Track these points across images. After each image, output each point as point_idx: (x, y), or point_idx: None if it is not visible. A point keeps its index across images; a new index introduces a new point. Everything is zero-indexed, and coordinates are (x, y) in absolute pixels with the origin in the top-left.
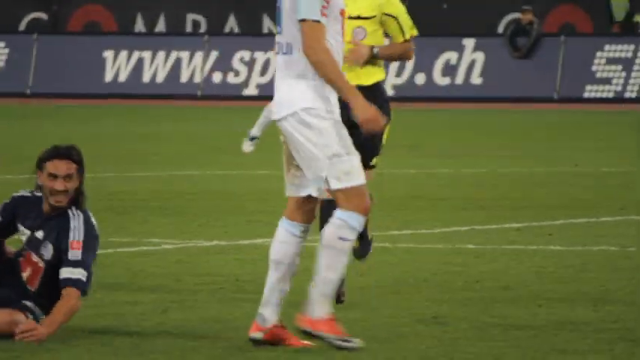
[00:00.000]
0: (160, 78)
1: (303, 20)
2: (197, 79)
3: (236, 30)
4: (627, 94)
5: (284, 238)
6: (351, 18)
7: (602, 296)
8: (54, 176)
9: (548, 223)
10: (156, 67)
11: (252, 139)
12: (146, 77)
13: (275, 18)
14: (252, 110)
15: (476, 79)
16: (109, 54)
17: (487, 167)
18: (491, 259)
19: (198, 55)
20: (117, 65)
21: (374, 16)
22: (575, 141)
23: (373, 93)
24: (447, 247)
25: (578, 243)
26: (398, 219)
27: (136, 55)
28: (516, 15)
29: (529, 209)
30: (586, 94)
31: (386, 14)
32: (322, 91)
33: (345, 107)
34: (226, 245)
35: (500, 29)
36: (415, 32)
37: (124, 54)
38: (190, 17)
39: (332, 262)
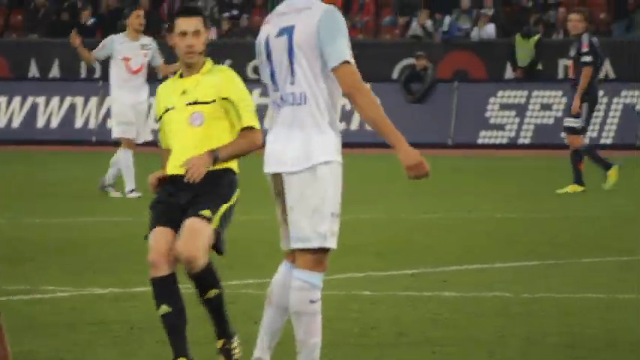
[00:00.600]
0: (54, 123)
1: (342, 64)
2: (91, 124)
3: None
4: (520, 140)
5: (286, 281)
6: (188, 104)
7: (497, 342)
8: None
9: (443, 270)
10: (50, 112)
11: (107, 187)
12: (40, 122)
13: (260, 72)
14: (149, 156)
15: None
16: (2, 100)
17: (383, 213)
18: (387, 305)
19: (93, 100)
20: (10, 111)
21: (213, 101)
22: (469, 187)
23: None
24: (343, 293)
25: (472, 289)
26: None
27: (29, 100)
28: (411, 61)
29: (424, 255)
30: (480, 140)
31: (223, 98)
32: (338, 143)
33: None
34: (121, 292)
35: (395, 75)
36: (256, 124)
37: (17, 99)
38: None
39: (310, 328)
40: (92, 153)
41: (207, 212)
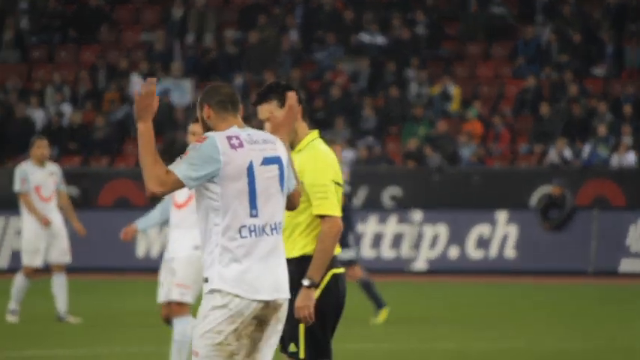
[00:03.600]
0: None
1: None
2: None
3: None
4: None
5: None
6: None
7: None
8: None
9: None
10: None
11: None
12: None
13: (222, 196)
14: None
15: (509, 252)
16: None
17: (523, 342)
18: None
19: None
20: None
21: None
22: (611, 315)
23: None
24: None
25: None
26: None
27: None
28: (548, 188)
29: None
30: (621, 269)
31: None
32: None
33: None
34: None
35: (532, 202)
36: (326, 211)
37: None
38: None
39: None
40: None
41: (293, 347)
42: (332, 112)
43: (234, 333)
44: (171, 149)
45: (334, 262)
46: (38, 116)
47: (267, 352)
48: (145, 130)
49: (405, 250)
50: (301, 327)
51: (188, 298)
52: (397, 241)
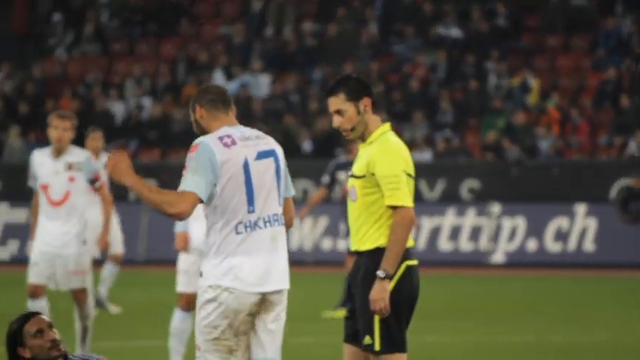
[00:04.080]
0: None
1: (292, 197)
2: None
3: None
4: None
5: None
6: (350, 176)
7: None
8: None
9: None
10: None
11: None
12: None
13: (217, 195)
14: None
15: (588, 245)
16: None
17: (603, 336)
18: None
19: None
20: None
21: (363, 176)
22: None
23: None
24: None
25: None
26: None
27: None
28: (627, 180)
29: None
30: None
31: (372, 174)
32: None
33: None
34: None
35: (612, 195)
36: (399, 202)
37: None
38: None
39: None
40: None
41: (368, 340)
42: (410, 104)
43: (230, 329)
44: None
45: (407, 254)
46: (118, 109)
47: (267, 339)
48: (133, 183)
49: (484, 242)
50: (376, 319)
51: None
52: (475, 233)
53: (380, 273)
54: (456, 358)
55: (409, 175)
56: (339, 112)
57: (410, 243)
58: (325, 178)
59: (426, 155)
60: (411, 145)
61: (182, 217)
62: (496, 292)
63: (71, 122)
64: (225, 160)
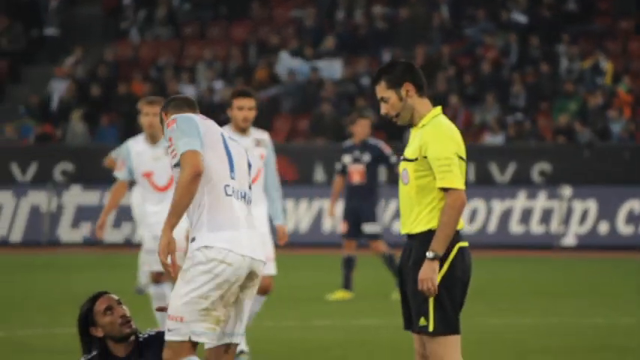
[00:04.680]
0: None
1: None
2: None
3: None
4: None
5: None
6: (403, 159)
7: None
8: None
9: None
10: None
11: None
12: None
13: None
14: None
15: None
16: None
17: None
18: None
19: None
20: (297, 214)
21: (415, 159)
22: None
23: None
24: None
25: None
26: None
27: (316, 205)
28: None
29: None
30: None
31: (424, 157)
32: None
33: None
34: None
35: None
36: (452, 184)
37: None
38: None
39: None
40: None
41: (423, 321)
42: (482, 87)
43: (220, 300)
44: (321, 123)
45: (459, 236)
46: (190, 92)
47: (245, 311)
48: (172, 225)
49: (555, 225)
50: (431, 301)
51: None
52: (546, 216)
53: (429, 254)
54: (525, 339)
55: (461, 157)
56: (383, 99)
57: (460, 225)
58: (338, 166)
59: (498, 138)
60: (483, 128)
61: (199, 173)
62: (567, 274)
63: (160, 106)
64: (206, 129)
